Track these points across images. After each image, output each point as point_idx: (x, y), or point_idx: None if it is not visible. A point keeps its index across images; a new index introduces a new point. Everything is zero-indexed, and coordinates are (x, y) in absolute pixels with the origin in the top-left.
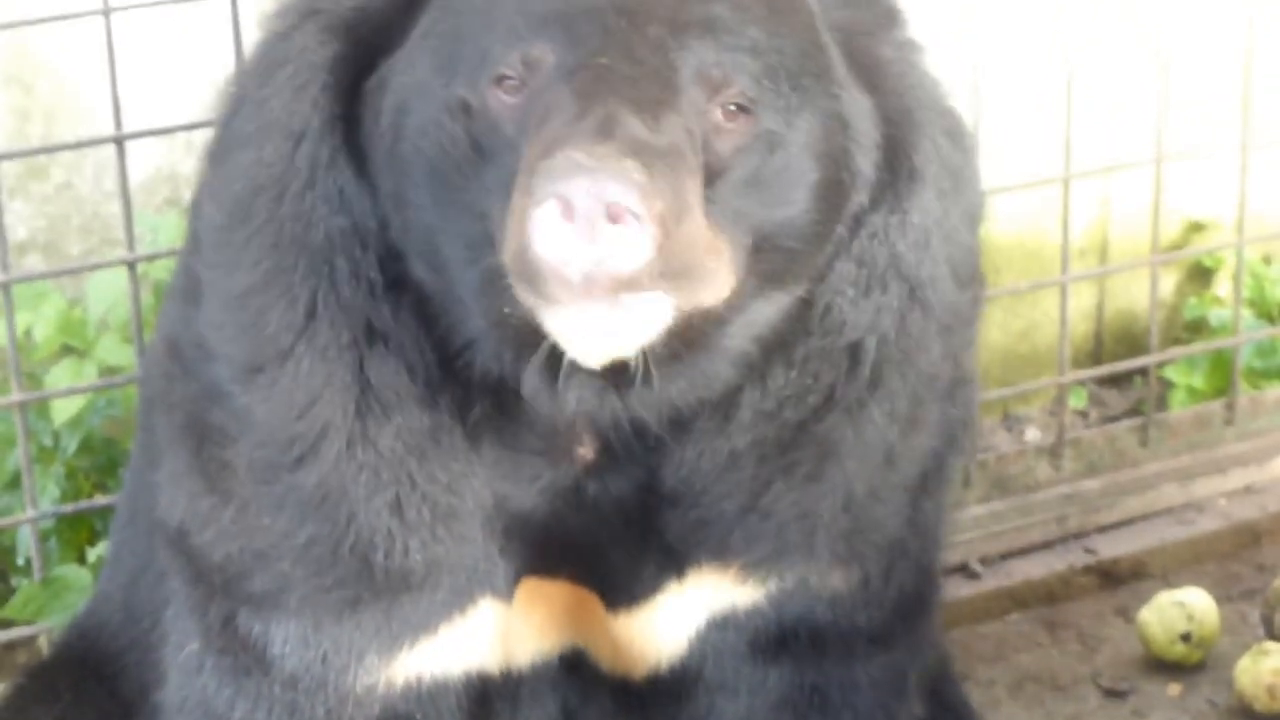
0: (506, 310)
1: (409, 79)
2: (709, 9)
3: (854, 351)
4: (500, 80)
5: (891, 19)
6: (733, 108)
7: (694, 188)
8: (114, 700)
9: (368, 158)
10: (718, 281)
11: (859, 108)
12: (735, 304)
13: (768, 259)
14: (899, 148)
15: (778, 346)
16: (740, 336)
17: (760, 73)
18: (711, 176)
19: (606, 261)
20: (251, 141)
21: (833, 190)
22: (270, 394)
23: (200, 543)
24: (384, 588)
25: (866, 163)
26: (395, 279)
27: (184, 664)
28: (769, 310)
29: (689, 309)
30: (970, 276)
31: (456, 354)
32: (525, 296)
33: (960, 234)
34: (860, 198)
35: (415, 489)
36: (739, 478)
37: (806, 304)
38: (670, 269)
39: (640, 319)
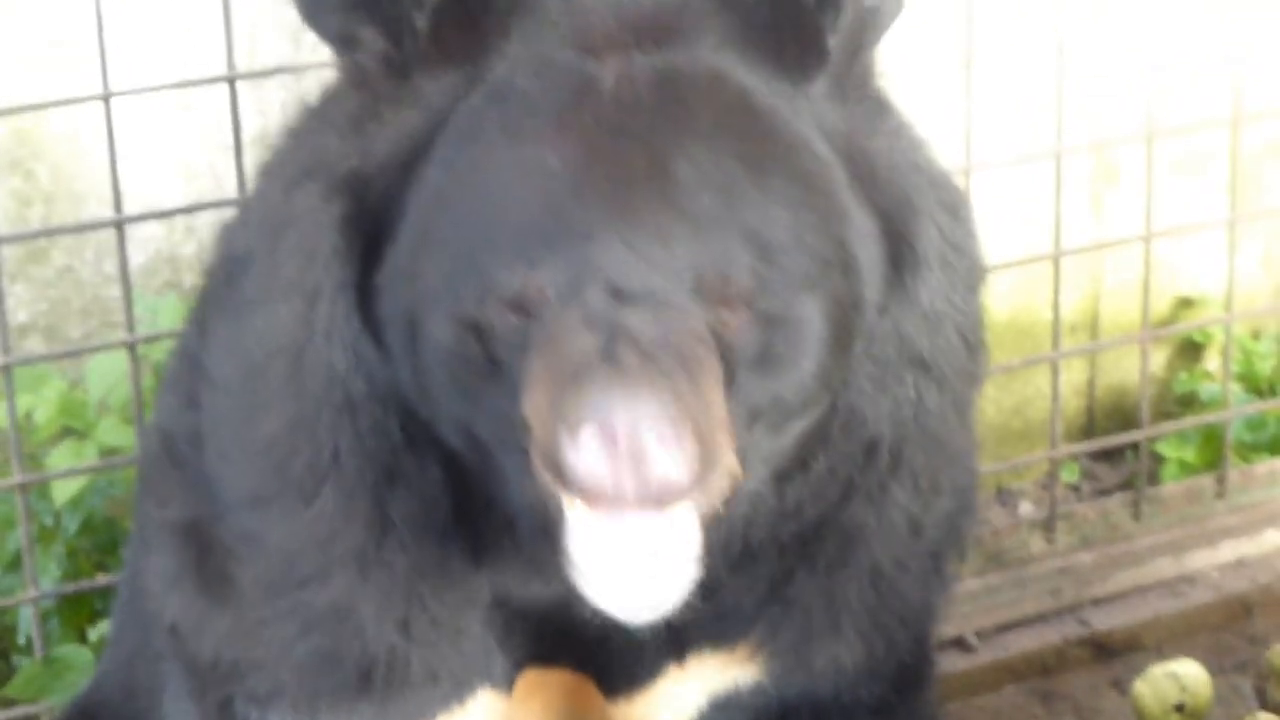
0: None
1: (417, 287)
2: (696, 204)
3: (874, 443)
4: (505, 302)
5: (881, 110)
6: (734, 299)
7: (716, 391)
8: None
9: (384, 339)
10: (736, 467)
11: (863, 229)
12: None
13: (779, 413)
14: (901, 238)
15: (796, 463)
16: (754, 479)
17: (757, 258)
18: (724, 369)
19: (647, 483)
20: (264, 303)
21: (844, 333)
22: (287, 526)
23: (195, 645)
24: (383, 687)
25: (874, 279)
26: (420, 434)
27: None
28: (783, 442)
29: (712, 502)
30: (978, 341)
31: (483, 500)
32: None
33: (966, 301)
34: (870, 311)
35: (425, 610)
36: (758, 571)
37: (822, 415)
38: (701, 474)
39: (674, 532)
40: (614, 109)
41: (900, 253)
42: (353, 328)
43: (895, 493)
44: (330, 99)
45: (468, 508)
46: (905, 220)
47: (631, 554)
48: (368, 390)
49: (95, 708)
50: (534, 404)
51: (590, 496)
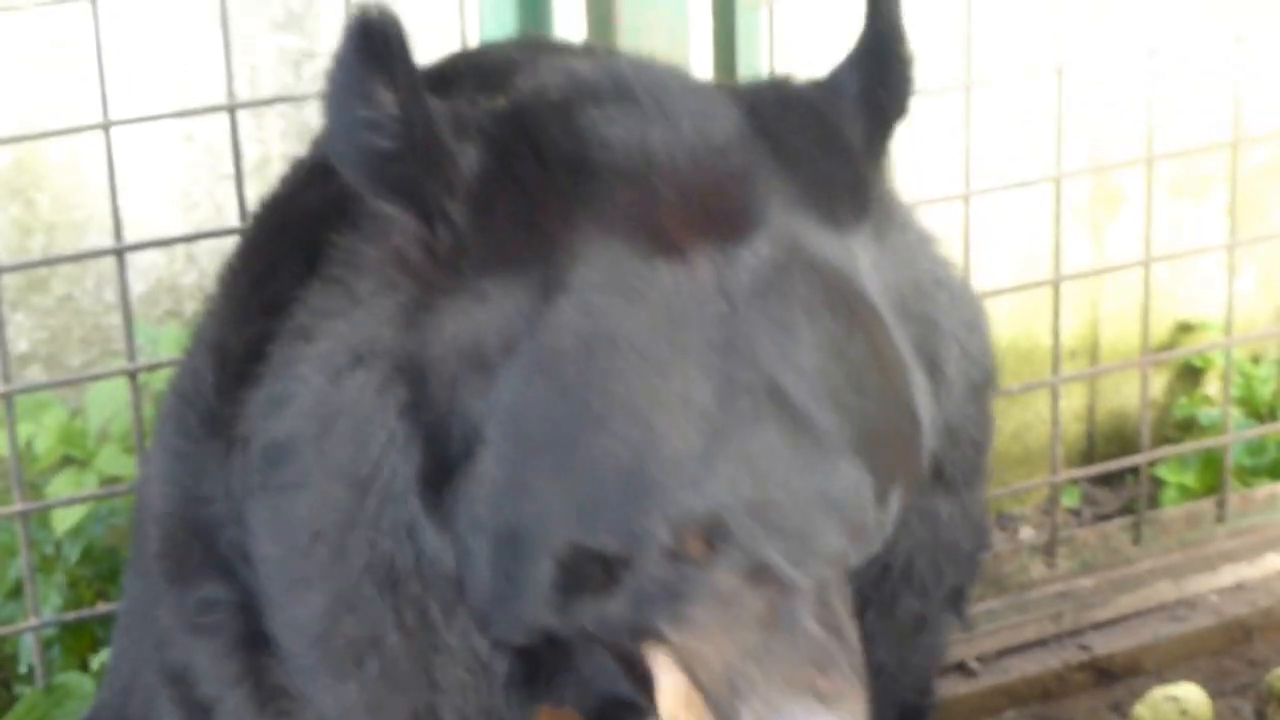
0: None
1: (524, 505)
2: (823, 431)
3: (889, 562)
4: (659, 547)
5: (903, 228)
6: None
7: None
8: None
9: (461, 538)
10: None
11: (921, 384)
12: None
13: None
14: (933, 364)
15: None
16: None
17: (870, 471)
18: None
19: None
20: (310, 488)
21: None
22: (335, 693)
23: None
24: None
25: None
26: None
27: None
28: None
29: None
30: (987, 441)
31: (538, 672)
32: None
33: (980, 409)
34: None
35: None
36: None
37: None
38: None
39: None
40: (716, 324)
41: (933, 378)
42: (408, 516)
43: (904, 599)
44: (363, 274)
45: (519, 677)
46: (934, 345)
47: None
48: (414, 568)
49: None
50: (703, 660)
51: None
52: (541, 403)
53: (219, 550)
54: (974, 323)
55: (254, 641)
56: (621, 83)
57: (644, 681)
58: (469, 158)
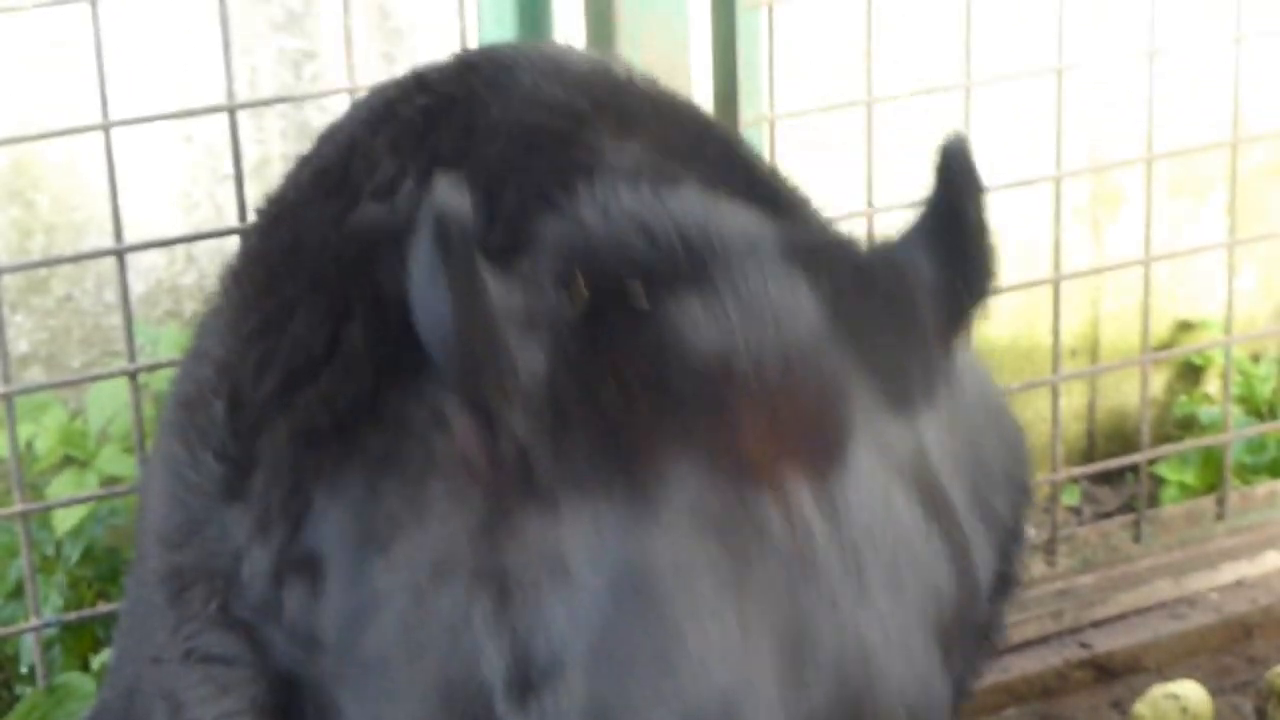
0: None
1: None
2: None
3: None
4: None
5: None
6: None
7: None
8: None
9: None
10: None
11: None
12: None
13: None
14: (985, 507)
15: None
16: None
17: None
18: None
19: None
20: (408, 700)
21: None
22: None
23: None
24: None
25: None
26: None
27: None
28: None
29: None
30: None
31: None
32: None
33: (1017, 522)
34: None
35: None
36: None
37: None
38: None
39: None
40: (805, 561)
41: (984, 522)
42: None
43: None
44: (430, 474)
45: None
46: (988, 490)
47: None
48: None
49: None
50: None
51: None
52: (633, 629)
53: (233, 609)
54: (1016, 446)
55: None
56: (695, 255)
57: None
58: (534, 362)
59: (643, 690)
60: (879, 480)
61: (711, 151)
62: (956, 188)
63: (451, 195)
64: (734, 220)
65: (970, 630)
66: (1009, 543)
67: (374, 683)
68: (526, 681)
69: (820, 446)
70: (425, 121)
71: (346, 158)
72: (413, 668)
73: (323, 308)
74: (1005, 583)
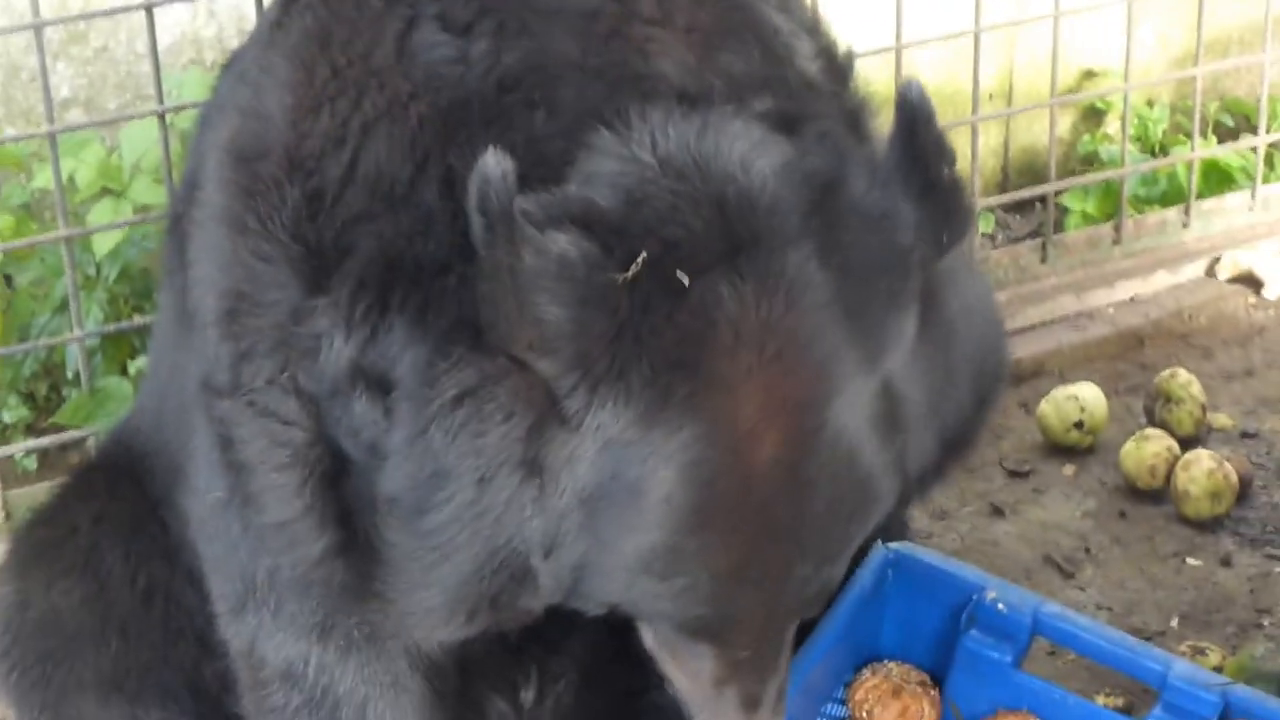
0: None
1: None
2: (816, 584)
3: None
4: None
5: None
6: None
7: None
8: (144, 498)
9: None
10: None
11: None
12: None
13: None
14: (942, 395)
15: None
16: None
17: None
18: None
19: None
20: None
21: None
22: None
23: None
24: None
25: None
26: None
27: (211, 506)
28: None
29: None
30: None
31: None
32: None
33: (985, 406)
34: None
35: None
36: None
37: None
38: None
39: None
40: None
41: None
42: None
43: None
44: (489, 399)
45: None
46: (943, 377)
47: None
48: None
49: (131, 434)
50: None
51: None
52: (618, 516)
53: (303, 382)
54: (991, 347)
55: (332, 483)
56: (731, 237)
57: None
58: (560, 319)
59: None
60: (843, 433)
61: (736, 39)
62: (921, 141)
63: (495, 170)
64: (761, 180)
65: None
66: (967, 424)
67: (428, 540)
68: (555, 543)
69: (799, 415)
70: None
71: None
72: (468, 535)
73: (403, 143)
74: (958, 448)
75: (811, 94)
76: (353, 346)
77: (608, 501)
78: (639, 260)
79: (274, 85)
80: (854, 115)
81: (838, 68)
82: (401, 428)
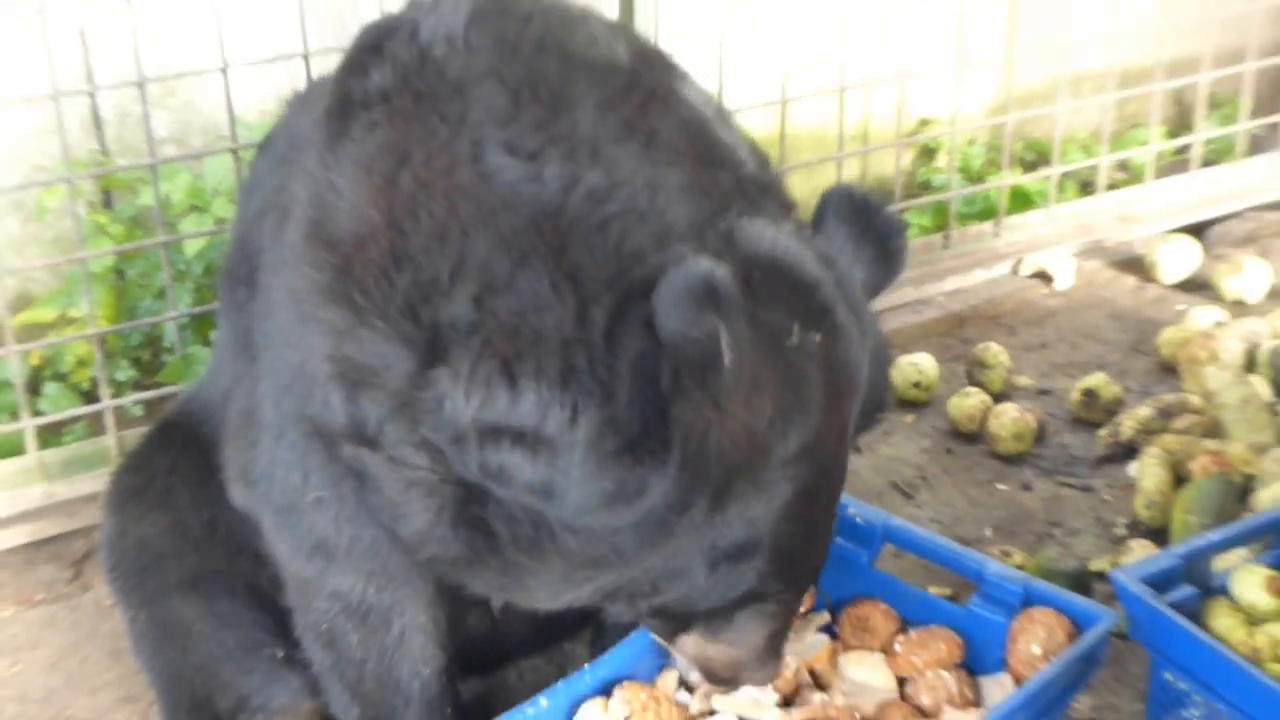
0: None
1: None
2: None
3: None
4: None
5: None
6: None
7: None
8: (204, 454)
9: None
10: None
11: None
12: None
13: None
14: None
15: None
16: None
17: None
18: None
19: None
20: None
21: None
22: None
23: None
24: None
25: None
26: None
27: (310, 503)
28: None
29: None
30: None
31: None
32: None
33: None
34: None
35: None
36: None
37: None
38: None
39: None
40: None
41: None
42: None
43: None
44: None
45: None
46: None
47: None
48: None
49: (197, 405)
50: (716, 660)
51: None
52: (786, 529)
53: (430, 437)
54: (883, 367)
55: (463, 507)
56: (822, 304)
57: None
58: (750, 376)
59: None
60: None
61: (712, 160)
62: (877, 221)
63: (719, 272)
64: (815, 260)
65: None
66: (880, 391)
67: (598, 549)
68: (720, 556)
69: (848, 410)
70: (533, 90)
71: (454, 88)
72: (640, 561)
73: (499, 243)
74: (875, 411)
75: (759, 190)
76: (473, 408)
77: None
78: (794, 328)
79: (348, 179)
80: (785, 198)
81: (761, 159)
82: (588, 471)
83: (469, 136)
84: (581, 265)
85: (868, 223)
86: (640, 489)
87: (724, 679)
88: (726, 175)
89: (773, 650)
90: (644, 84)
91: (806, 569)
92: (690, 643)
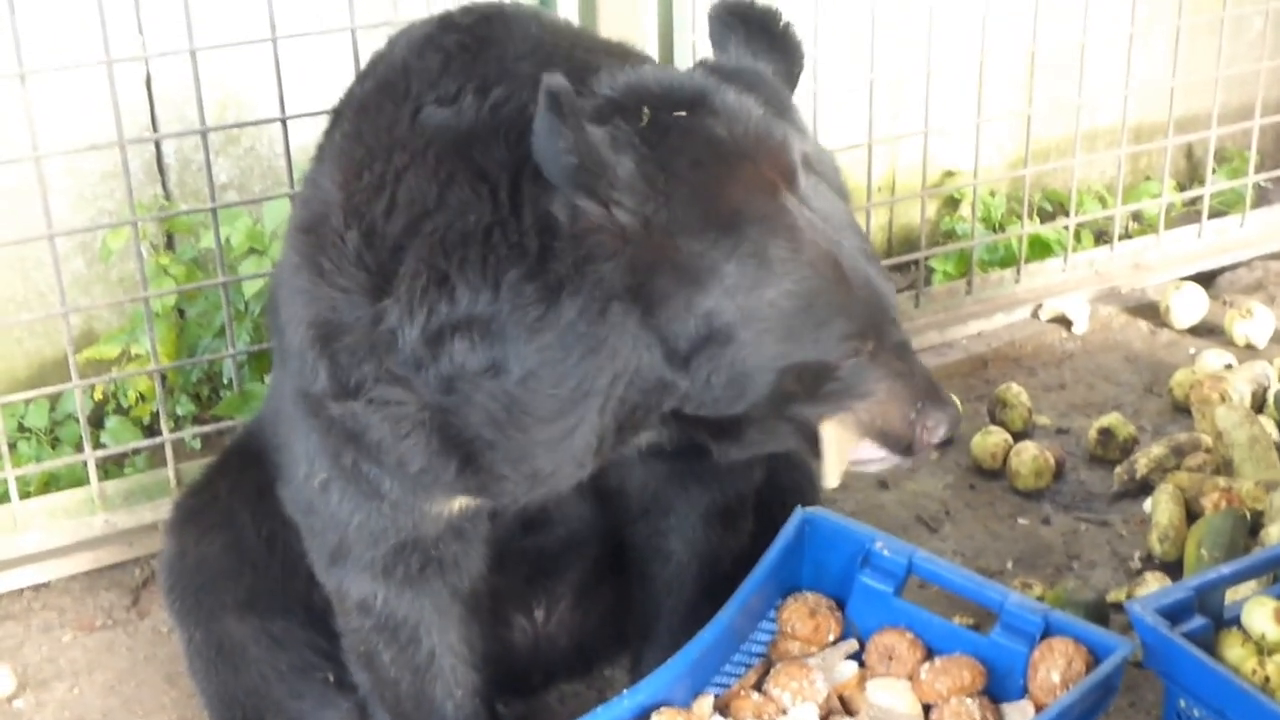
0: None
1: (752, 360)
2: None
3: None
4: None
5: None
6: None
7: None
8: (265, 475)
9: (693, 378)
10: None
11: None
12: None
13: None
14: None
15: None
16: None
17: None
18: None
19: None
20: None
21: None
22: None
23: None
24: None
25: None
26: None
27: (317, 488)
28: None
29: None
30: None
31: None
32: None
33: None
34: None
35: None
36: None
37: None
38: None
39: None
40: (831, 219)
41: None
42: (656, 378)
43: None
44: (581, 243)
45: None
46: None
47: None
48: (655, 404)
49: (256, 431)
50: (885, 412)
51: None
52: (766, 297)
53: (395, 369)
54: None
55: (442, 428)
56: (694, 94)
57: (811, 439)
58: (624, 164)
59: (782, 327)
60: (820, 191)
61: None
62: (758, 16)
63: (560, 81)
64: (665, 69)
65: None
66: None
67: (564, 390)
68: (677, 353)
69: (795, 176)
70: (464, 53)
71: (405, 75)
72: (593, 367)
73: (428, 174)
74: None
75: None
76: (418, 327)
77: (734, 292)
78: (644, 110)
79: (324, 174)
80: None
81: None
82: (517, 325)
83: (411, 105)
84: (487, 163)
85: (752, 26)
86: (555, 310)
87: (900, 433)
88: (606, 62)
89: (925, 385)
90: (558, 39)
91: (865, 311)
92: (844, 423)
